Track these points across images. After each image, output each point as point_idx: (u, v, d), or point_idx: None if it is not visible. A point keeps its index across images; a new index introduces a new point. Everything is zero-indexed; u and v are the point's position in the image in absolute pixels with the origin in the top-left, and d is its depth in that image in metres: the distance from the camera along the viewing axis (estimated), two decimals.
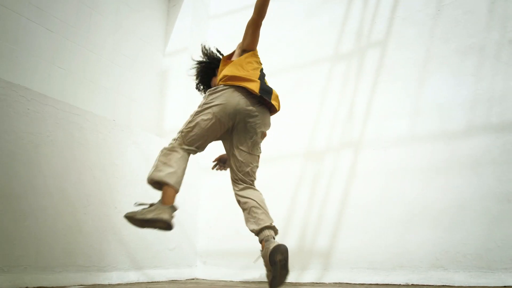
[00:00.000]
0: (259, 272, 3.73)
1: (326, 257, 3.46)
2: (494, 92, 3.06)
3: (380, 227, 3.30)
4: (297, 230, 3.64)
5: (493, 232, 2.88)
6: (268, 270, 2.14)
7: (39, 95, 2.84)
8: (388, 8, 3.68)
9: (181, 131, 2.39)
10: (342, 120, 3.71)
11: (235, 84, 2.33)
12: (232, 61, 2.51)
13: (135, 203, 2.31)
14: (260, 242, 2.23)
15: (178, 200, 3.77)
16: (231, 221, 4.00)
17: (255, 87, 2.33)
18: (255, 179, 2.49)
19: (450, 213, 3.05)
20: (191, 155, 2.42)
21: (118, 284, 3.11)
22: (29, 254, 2.62)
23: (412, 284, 3.00)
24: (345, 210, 3.49)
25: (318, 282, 3.35)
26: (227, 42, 4.67)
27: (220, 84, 2.38)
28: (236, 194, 2.43)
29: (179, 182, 2.30)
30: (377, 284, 3.12)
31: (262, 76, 2.46)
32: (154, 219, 2.19)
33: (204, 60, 2.78)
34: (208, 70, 2.76)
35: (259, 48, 4.35)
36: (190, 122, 2.37)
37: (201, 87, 2.83)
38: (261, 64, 2.58)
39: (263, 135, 2.51)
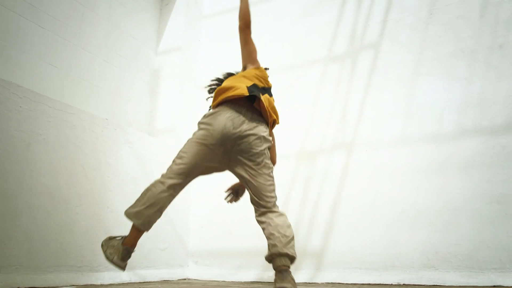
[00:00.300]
0: (251, 272, 3.74)
1: (318, 257, 3.48)
2: (485, 95, 3.12)
3: (372, 227, 3.33)
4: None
5: (483, 233, 2.93)
6: None
7: (32, 93, 2.80)
8: (381, 10, 3.72)
9: (172, 161, 2.21)
10: (335, 121, 3.73)
11: (219, 100, 2.18)
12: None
13: (109, 236, 2.23)
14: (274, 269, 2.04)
15: None
16: (223, 221, 4.00)
17: (239, 91, 2.14)
18: (274, 198, 2.16)
19: (441, 214, 3.09)
20: (180, 189, 2.18)
21: (111, 285, 3.09)
22: (20, 254, 2.58)
23: (404, 284, 3.04)
24: (338, 210, 3.52)
25: (311, 282, 3.37)
26: (220, 42, 4.68)
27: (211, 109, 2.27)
28: (257, 220, 2.18)
29: (148, 223, 2.13)
30: (369, 284, 3.16)
31: (254, 87, 2.22)
32: (107, 258, 2.16)
33: (218, 77, 2.60)
34: None
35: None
36: (180, 151, 2.20)
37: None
38: (261, 80, 2.35)
39: (268, 150, 2.20)
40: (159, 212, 2.15)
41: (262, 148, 2.13)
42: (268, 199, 2.13)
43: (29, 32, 3.25)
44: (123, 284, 3.20)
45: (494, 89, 3.09)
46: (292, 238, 2.04)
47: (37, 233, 2.70)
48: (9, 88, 2.65)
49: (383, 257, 3.22)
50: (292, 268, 3.49)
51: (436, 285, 2.93)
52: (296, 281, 3.44)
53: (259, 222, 2.14)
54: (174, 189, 2.14)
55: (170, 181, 2.12)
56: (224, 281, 3.76)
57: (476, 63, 3.20)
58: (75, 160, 3.05)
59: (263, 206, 2.12)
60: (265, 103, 2.17)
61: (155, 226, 3.62)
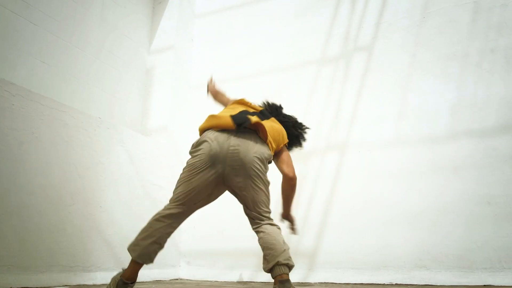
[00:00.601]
0: (244, 272, 3.74)
1: (311, 257, 3.50)
2: (476, 99, 3.18)
3: (364, 228, 3.36)
4: (284, 232, 3.65)
5: (473, 234, 2.98)
6: None
7: (24, 90, 2.76)
8: (375, 13, 3.76)
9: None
10: (328, 122, 3.76)
11: (204, 129, 2.18)
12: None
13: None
14: (273, 278, 2.03)
15: (161, 198, 3.75)
16: (215, 221, 4.00)
17: (224, 121, 2.11)
18: (267, 211, 2.16)
19: (432, 215, 3.14)
20: (180, 218, 2.15)
21: (103, 285, 3.05)
22: (12, 253, 2.55)
23: (396, 284, 3.08)
24: (330, 211, 3.54)
25: (304, 282, 3.38)
26: (213, 41, 4.67)
27: None
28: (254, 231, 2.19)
29: (144, 254, 2.08)
30: (361, 283, 3.19)
31: (243, 113, 2.19)
32: None
33: None
34: None
35: (247, 48, 4.37)
36: (177, 181, 2.17)
37: None
38: (249, 107, 2.34)
39: (262, 164, 2.12)
40: (156, 244, 2.10)
41: (252, 161, 2.05)
42: (261, 211, 2.13)
43: (22, 29, 3.20)
44: None
45: (486, 93, 3.15)
46: (288, 248, 2.07)
47: (29, 232, 2.67)
48: (1, 85, 2.61)
49: (376, 257, 3.25)
50: None
51: (428, 285, 2.98)
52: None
53: (256, 233, 2.15)
54: (171, 219, 2.11)
55: (167, 211, 2.11)
56: (217, 281, 3.75)
57: (468, 67, 3.26)
58: (68, 159, 3.02)
59: (258, 218, 2.13)
60: (257, 121, 2.13)
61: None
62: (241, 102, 2.40)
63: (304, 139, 2.59)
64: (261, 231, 2.10)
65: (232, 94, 4.36)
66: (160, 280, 3.70)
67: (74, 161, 3.06)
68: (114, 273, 3.25)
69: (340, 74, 3.80)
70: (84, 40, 3.75)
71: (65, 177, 2.98)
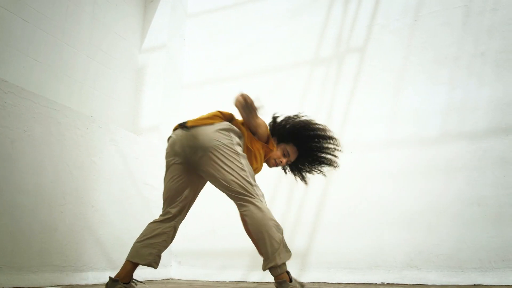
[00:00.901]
0: (236, 272, 3.74)
1: (303, 257, 3.52)
2: (467, 101, 3.24)
3: (356, 228, 3.39)
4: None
5: (464, 234, 3.04)
6: None
7: (17, 88, 2.72)
8: (367, 15, 3.80)
9: None
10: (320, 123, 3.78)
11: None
12: None
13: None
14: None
15: (153, 198, 3.74)
16: (207, 220, 3.99)
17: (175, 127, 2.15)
18: (243, 193, 1.94)
19: (424, 216, 3.19)
20: (169, 218, 2.12)
21: (95, 285, 3.03)
22: (4, 253, 2.50)
23: (387, 283, 3.12)
24: (323, 211, 3.57)
25: None
26: (204, 41, 4.66)
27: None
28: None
29: (133, 252, 2.08)
30: (353, 283, 3.22)
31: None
32: None
33: None
34: None
35: (239, 49, 4.37)
36: None
37: None
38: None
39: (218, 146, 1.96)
40: (147, 245, 2.08)
41: (206, 144, 1.95)
42: (236, 194, 1.94)
43: (12, 25, 3.15)
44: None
45: (476, 95, 3.21)
46: (280, 237, 1.91)
47: (21, 232, 2.63)
48: None
49: (367, 257, 3.29)
50: None
51: (419, 284, 3.02)
52: None
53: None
54: (163, 219, 2.11)
55: (162, 212, 2.15)
56: (209, 281, 3.75)
57: (458, 70, 3.31)
58: (60, 158, 2.98)
59: (236, 201, 1.98)
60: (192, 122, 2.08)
61: (137, 224, 3.59)
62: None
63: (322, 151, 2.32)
64: (244, 218, 2.06)
65: (224, 94, 4.37)
66: (151, 280, 3.68)
67: (66, 160, 3.03)
68: (106, 273, 3.25)
69: (332, 75, 3.83)
70: (75, 38, 3.71)
71: (57, 176, 2.94)
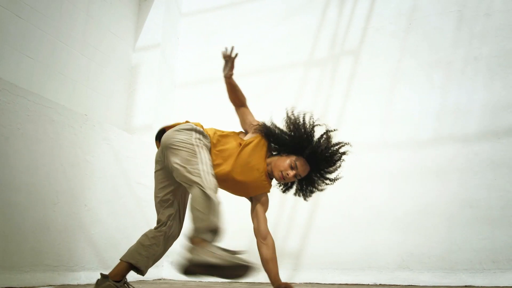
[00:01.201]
0: None
1: (296, 258, 3.53)
2: (459, 105, 3.29)
3: (349, 229, 3.42)
4: None
5: (455, 236, 3.08)
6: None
7: (10, 85, 2.69)
8: (362, 18, 3.83)
9: None
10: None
11: None
12: None
13: None
14: None
15: (145, 197, 3.72)
16: None
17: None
18: (190, 179, 1.86)
19: (416, 217, 3.22)
20: (158, 224, 2.16)
21: (87, 285, 3.00)
22: None
23: (380, 284, 3.15)
24: (316, 212, 3.58)
25: (289, 282, 3.40)
26: (198, 40, 4.65)
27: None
28: None
29: (127, 254, 2.14)
30: (346, 284, 3.24)
31: None
32: None
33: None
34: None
35: (235, 50, 4.36)
36: None
37: None
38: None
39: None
40: (139, 247, 2.13)
41: (166, 142, 2.01)
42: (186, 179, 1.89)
43: (6, 21, 3.11)
44: None
45: (468, 99, 3.26)
46: (209, 215, 1.75)
47: (13, 231, 2.60)
48: None
49: (360, 258, 3.31)
50: None
51: (411, 285, 3.05)
52: None
53: None
54: (156, 226, 2.17)
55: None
56: (201, 281, 3.74)
57: (451, 74, 3.36)
58: (53, 156, 2.95)
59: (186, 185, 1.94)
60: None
61: (130, 224, 3.57)
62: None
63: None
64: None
65: (218, 94, 4.36)
66: (143, 280, 3.66)
67: (59, 159, 3.00)
68: (99, 273, 3.22)
69: (327, 77, 3.85)
70: (69, 35, 3.68)
71: (50, 175, 2.91)
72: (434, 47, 3.47)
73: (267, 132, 2.14)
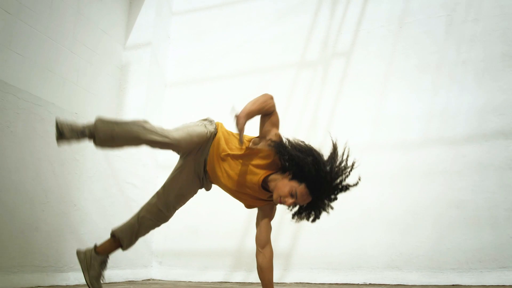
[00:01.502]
0: (218, 272, 3.74)
1: (286, 258, 3.55)
2: (448, 108, 3.35)
3: (339, 229, 3.45)
4: None
5: (443, 236, 3.14)
6: None
7: (0, 82, 2.64)
8: (353, 20, 3.86)
9: None
10: (305, 126, 3.82)
11: None
12: None
13: None
14: None
15: (135, 197, 3.69)
16: (189, 220, 3.95)
17: None
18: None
19: (405, 218, 3.27)
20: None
21: (76, 285, 2.97)
22: None
23: (369, 284, 3.18)
24: None
25: (279, 282, 3.42)
26: (189, 39, 4.63)
27: None
28: None
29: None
30: (336, 283, 3.27)
31: None
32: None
33: None
34: None
35: (225, 49, 4.37)
36: None
37: None
38: None
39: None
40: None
41: None
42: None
43: None
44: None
45: (457, 102, 3.32)
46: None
47: (1, 231, 2.55)
48: None
49: (350, 258, 3.34)
50: None
51: (400, 285, 3.10)
52: None
53: None
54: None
55: None
56: (191, 281, 3.73)
57: (440, 77, 3.42)
58: (42, 155, 2.90)
59: None
60: None
61: (119, 224, 3.53)
62: None
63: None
64: None
65: (208, 94, 4.36)
66: (132, 281, 3.63)
67: (49, 158, 2.95)
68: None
69: (318, 78, 3.88)
70: (59, 32, 3.63)
71: (39, 174, 2.86)
72: (424, 51, 3.53)
73: (282, 152, 1.94)
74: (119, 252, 3.58)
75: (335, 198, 2.01)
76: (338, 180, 1.96)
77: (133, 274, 3.74)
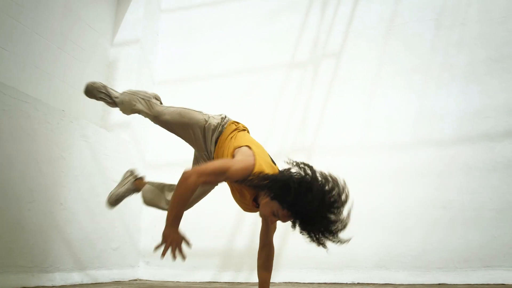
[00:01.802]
0: (207, 272, 3.72)
1: (275, 258, 3.49)
2: (436, 110, 3.40)
3: None
4: (247, 231, 3.68)
5: (430, 236, 3.19)
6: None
7: None
8: (344, 22, 3.89)
9: None
10: (294, 126, 3.83)
11: None
12: None
13: None
14: None
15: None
16: None
17: None
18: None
19: (393, 218, 3.31)
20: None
21: (62, 286, 2.92)
22: None
23: (358, 283, 3.21)
24: None
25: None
26: (178, 37, 4.59)
27: None
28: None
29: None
30: (325, 283, 3.29)
31: None
32: None
33: None
34: None
35: (214, 47, 4.34)
36: None
37: None
38: None
39: None
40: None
41: None
42: None
43: None
44: (74, 285, 3.03)
45: (445, 105, 3.38)
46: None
47: None
48: None
49: (339, 258, 3.36)
50: (249, 268, 3.54)
51: (388, 284, 3.14)
52: (253, 281, 3.50)
53: None
54: None
55: None
56: (179, 281, 3.70)
57: (429, 79, 3.48)
58: (29, 153, 2.84)
59: None
60: None
61: (106, 223, 3.50)
62: None
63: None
64: None
65: (197, 93, 4.33)
66: (119, 281, 3.58)
67: (35, 155, 2.89)
68: (74, 274, 3.13)
69: (308, 79, 3.89)
70: (46, 27, 3.55)
71: (25, 172, 2.80)
72: (413, 53, 3.58)
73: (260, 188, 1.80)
74: (106, 252, 3.56)
75: (331, 231, 1.72)
76: (324, 212, 1.67)
77: (120, 274, 3.69)
